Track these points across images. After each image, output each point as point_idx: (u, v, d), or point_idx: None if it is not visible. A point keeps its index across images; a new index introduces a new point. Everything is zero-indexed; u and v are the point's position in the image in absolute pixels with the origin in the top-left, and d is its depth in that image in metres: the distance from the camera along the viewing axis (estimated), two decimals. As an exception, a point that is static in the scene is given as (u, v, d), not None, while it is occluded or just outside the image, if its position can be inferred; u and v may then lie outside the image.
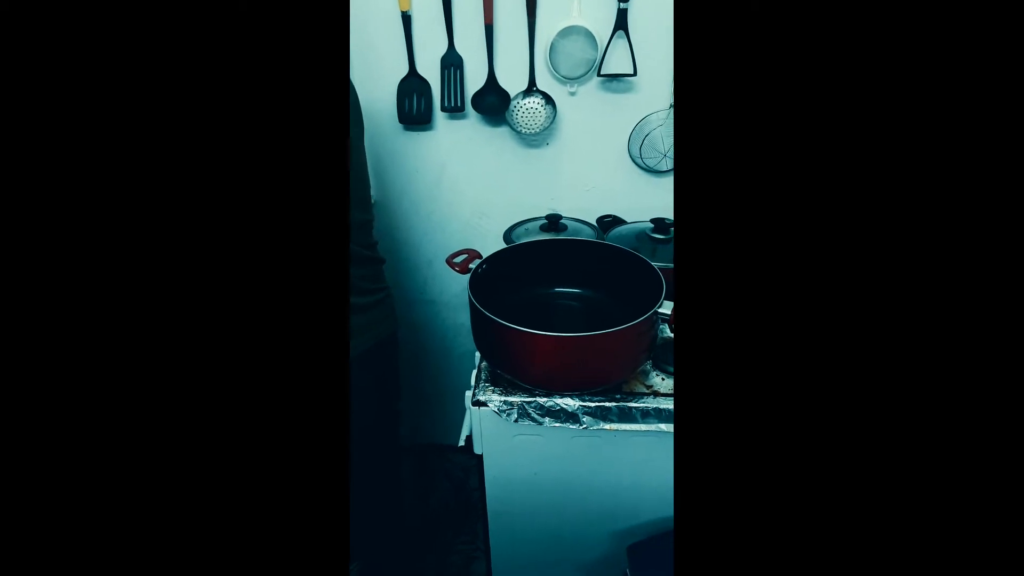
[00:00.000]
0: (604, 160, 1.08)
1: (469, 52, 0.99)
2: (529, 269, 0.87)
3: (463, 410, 0.79)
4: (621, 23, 0.94)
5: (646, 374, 0.79)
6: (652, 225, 0.96)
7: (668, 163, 1.07)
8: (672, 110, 1.02)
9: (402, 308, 1.27)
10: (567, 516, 0.87)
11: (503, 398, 0.75)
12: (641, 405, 0.74)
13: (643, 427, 0.74)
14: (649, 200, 1.10)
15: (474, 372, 0.82)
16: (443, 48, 0.99)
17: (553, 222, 0.99)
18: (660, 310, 0.70)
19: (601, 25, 0.95)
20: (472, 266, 0.80)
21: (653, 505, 0.84)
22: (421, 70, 1.01)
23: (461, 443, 0.81)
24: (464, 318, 0.85)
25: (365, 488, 0.79)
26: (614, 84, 1.01)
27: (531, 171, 1.11)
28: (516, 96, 1.01)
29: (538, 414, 0.74)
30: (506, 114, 1.02)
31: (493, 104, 1.02)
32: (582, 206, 1.10)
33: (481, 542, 0.97)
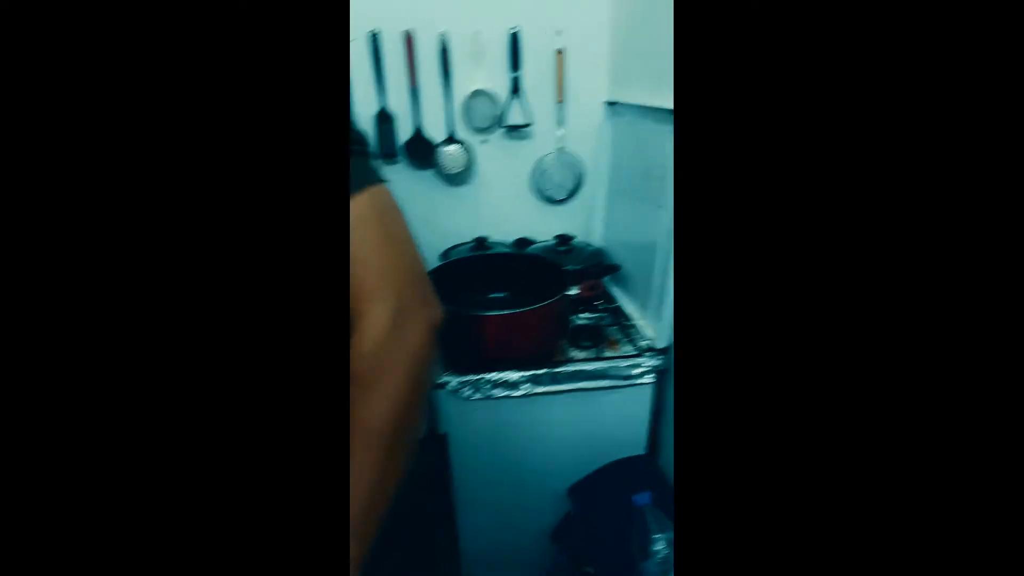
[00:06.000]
0: (514, 194, 1.34)
1: (399, 109, 1.21)
2: (463, 280, 1.07)
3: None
4: (515, 86, 1.22)
5: (566, 350, 1.02)
6: (556, 240, 1.22)
7: (562, 193, 1.35)
8: (560, 153, 1.30)
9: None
10: (525, 479, 1.06)
11: (459, 379, 0.94)
12: (566, 370, 0.96)
13: (568, 387, 0.97)
14: (551, 223, 1.37)
15: (431, 364, 1.00)
16: (376, 106, 1.20)
17: (480, 243, 1.21)
18: (567, 293, 0.94)
19: (500, 87, 1.22)
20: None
21: (594, 458, 1.05)
22: (360, 125, 1.21)
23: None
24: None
25: None
26: (515, 133, 1.28)
27: (457, 205, 1.33)
28: (439, 144, 1.24)
29: (488, 388, 0.94)
30: (433, 159, 1.25)
31: (421, 151, 1.24)
32: (501, 230, 1.34)
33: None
